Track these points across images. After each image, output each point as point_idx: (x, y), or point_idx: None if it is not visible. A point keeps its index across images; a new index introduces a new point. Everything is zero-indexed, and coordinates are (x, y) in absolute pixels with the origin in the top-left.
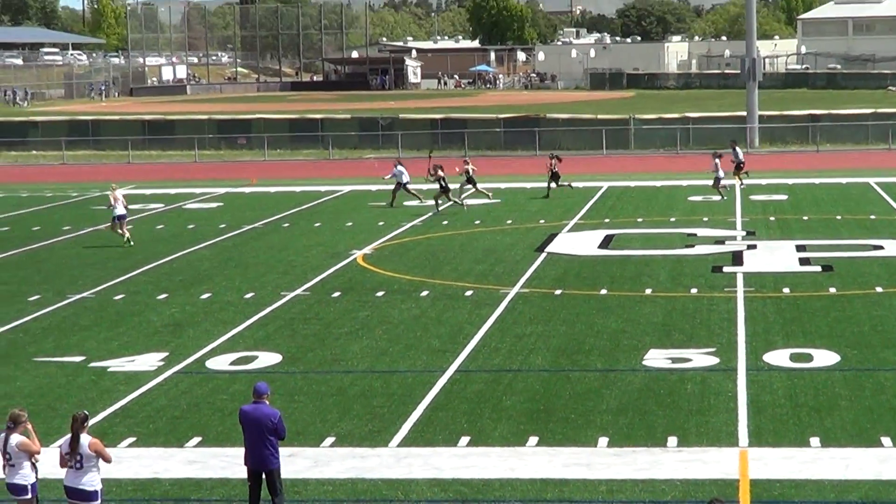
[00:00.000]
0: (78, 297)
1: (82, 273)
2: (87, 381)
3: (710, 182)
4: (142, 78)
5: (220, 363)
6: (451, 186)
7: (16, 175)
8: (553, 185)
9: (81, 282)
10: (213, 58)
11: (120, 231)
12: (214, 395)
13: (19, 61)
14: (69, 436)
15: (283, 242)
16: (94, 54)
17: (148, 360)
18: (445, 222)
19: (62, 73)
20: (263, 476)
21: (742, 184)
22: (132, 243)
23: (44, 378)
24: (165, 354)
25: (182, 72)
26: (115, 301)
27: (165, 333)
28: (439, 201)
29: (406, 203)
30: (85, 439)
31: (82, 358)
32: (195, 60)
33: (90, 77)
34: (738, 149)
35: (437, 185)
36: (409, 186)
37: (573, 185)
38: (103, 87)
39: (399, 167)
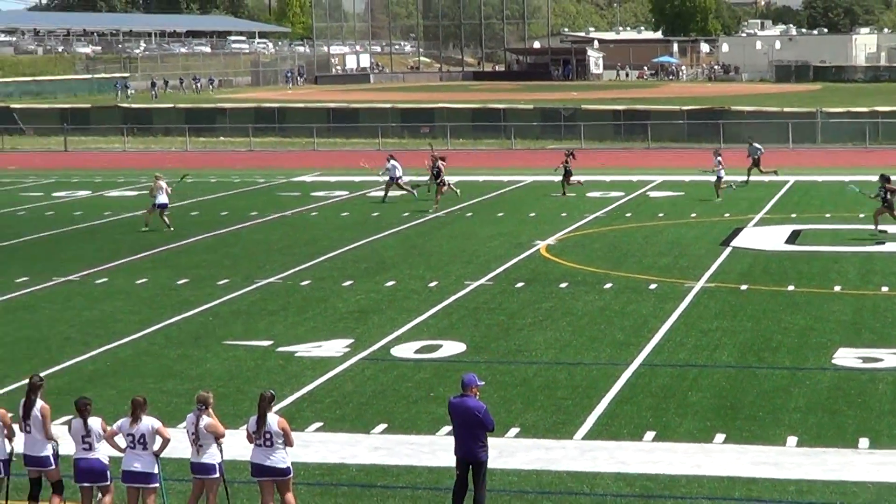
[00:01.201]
0: (265, 282)
1: (269, 258)
2: (274, 365)
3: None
4: (326, 66)
5: (405, 351)
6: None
7: (204, 160)
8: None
9: (269, 267)
10: (396, 47)
11: (161, 219)
12: (399, 382)
13: (207, 49)
14: (255, 415)
15: (466, 232)
16: (279, 43)
17: (334, 346)
18: (629, 214)
19: (249, 61)
20: (471, 466)
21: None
22: (172, 229)
23: (233, 361)
24: (351, 341)
25: (365, 60)
26: (302, 287)
27: (351, 320)
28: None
29: (588, 195)
30: (272, 418)
31: (270, 342)
32: (378, 49)
33: (276, 65)
34: (756, 144)
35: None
36: (402, 181)
37: (582, 181)
38: (289, 75)
39: (392, 161)
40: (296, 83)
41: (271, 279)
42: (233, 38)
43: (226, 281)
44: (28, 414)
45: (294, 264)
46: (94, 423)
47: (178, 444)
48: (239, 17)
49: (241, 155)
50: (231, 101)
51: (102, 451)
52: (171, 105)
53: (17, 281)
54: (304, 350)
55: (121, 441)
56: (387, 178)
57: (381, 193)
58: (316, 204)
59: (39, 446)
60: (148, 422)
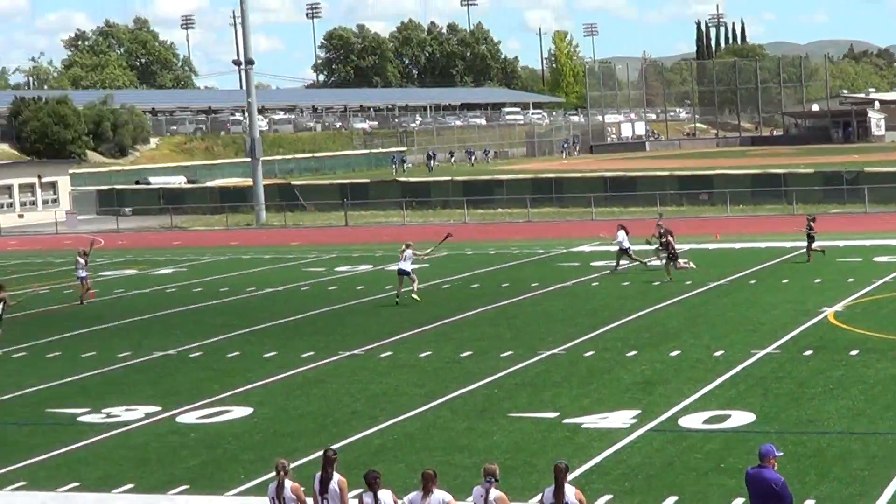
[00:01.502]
0: (549, 353)
1: (551, 329)
2: (561, 436)
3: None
4: (601, 135)
5: (693, 421)
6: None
7: (483, 232)
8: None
9: (551, 338)
10: (671, 113)
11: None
12: (688, 453)
13: (482, 121)
14: (552, 486)
15: (750, 299)
16: (554, 113)
17: (620, 417)
18: None
19: (524, 131)
20: None
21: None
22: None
23: (519, 434)
24: (637, 412)
25: (641, 128)
26: (586, 357)
27: (636, 390)
28: (669, 265)
29: (875, 259)
30: (569, 489)
31: (556, 414)
32: (653, 116)
33: (551, 135)
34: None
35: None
36: (631, 251)
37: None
38: (564, 145)
39: (621, 231)
40: (571, 153)
41: (555, 350)
42: (507, 109)
43: (509, 353)
44: (325, 488)
45: (577, 335)
46: (385, 496)
47: None
48: (512, 88)
49: (519, 226)
50: (507, 173)
51: None
52: (448, 178)
53: (304, 356)
54: (591, 421)
55: None
56: (617, 248)
57: (625, 263)
58: (596, 274)
59: None
60: (439, 495)
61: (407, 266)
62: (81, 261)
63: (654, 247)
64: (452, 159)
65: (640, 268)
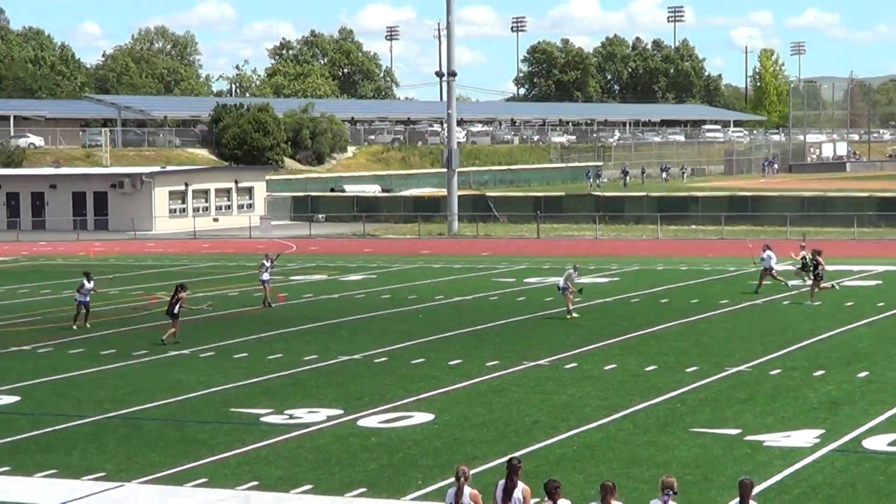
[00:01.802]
0: (735, 370)
1: (739, 346)
2: (742, 453)
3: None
4: (801, 154)
5: (878, 443)
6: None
7: (676, 248)
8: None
9: (738, 355)
10: (875, 134)
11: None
12: (871, 475)
13: (681, 138)
14: (734, 502)
15: None
16: (755, 131)
17: (804, 437)
18: None
19: (723, 149)
20: None
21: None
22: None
23: (699, 449)
24: (821, 432)
25: (842, 148)
26: (772, 376)
27: (822, 410)
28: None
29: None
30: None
31: (738, 431)
32: (856, 137)
33: (750, 154)
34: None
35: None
36: (775, 272)
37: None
38: (766, 164)
39: (768, 251)
40: (771, 172)
41: (741, 367)
42: (707, 126)
43: (694, 368)
44: (509, 496)
45: (764, 353)
46: None
47: None
48: (714, 105)
49: (712, 243)
50: (703, 190)
51: None
52: (643, 193)
53: (488, 364)
54: (773, 439)
55: None
56: (762, 267)
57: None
58: (789, 293)
59: None
60: None
61: (562, 283)
62: (266, 264)
63: (796, 267)
64: (644, 175)
65: (783, 288)
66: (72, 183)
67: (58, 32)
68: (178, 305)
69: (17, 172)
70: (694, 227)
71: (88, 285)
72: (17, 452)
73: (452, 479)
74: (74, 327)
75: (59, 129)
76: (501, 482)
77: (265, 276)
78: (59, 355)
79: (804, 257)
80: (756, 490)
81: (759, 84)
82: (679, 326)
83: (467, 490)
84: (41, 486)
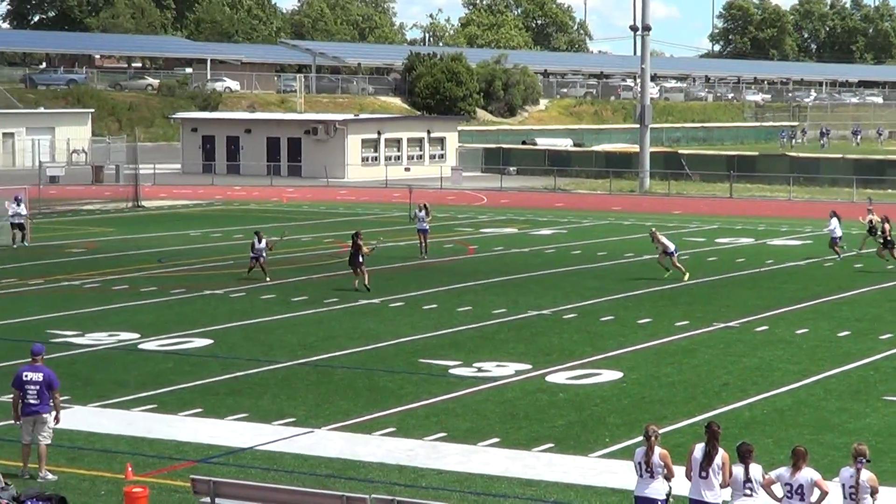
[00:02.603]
0: None
1: None
2: None
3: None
4: None
5: None
6: None
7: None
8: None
9: None
10: None
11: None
12: None
13: (879, 100)
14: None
15: None
16: None
17: None
18: None
19: None
20: None
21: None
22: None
23: (893, 417)
24: None
25: None
26: None
27: None
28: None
29: None
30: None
31: None
32: None
33: None
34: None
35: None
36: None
37: None
38: None
39: (834, 219)
40: None
41: None
42: None
43: (889, 335)
44: (710, 461)
45: None
46: (755, 470)
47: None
48: None
49: None
50: None
51: (761, 499)
52: (839, 155)
53: (678, 324)
54: None
55: (777, 490)
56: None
57: None
58: None
59: (714, 494)
60: (808, 473)
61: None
62: (421, 214)
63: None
64: (824, 139)
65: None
66: (266, 128)
67: None
68: (359, 254)
69: (213, 116)
70: (891, 190)
71: (259, 245)
72: (208, 395)
73: (640, 438)
74: (246, 276)
75: (254, 74)
76: (699, 446)
77: (424, 226)
78: (251, 300)
79: (870, 220)
80: None
81: None
82: (874, 292)
83: (657, 449)
84: (232, 428)
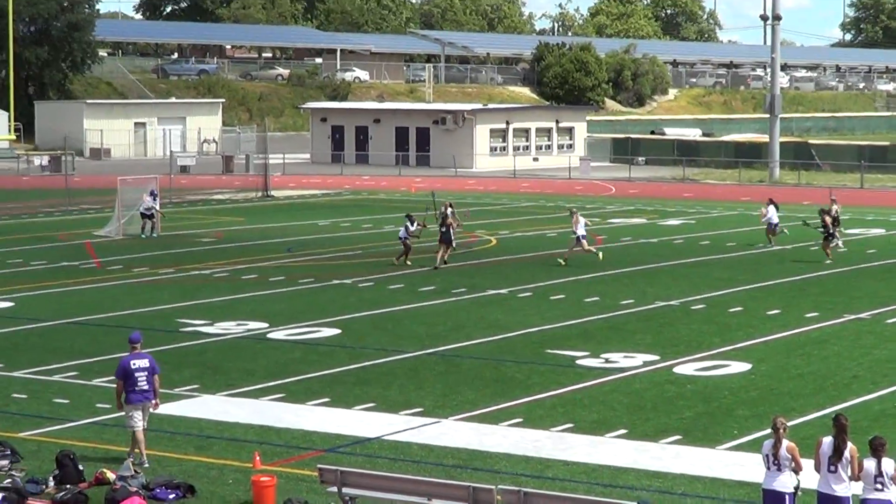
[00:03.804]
0: None
1: None
2: None
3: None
4: None
5: None
6: None
7: None
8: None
9: None
10: None
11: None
12: None
13: None
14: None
15: None
16: None
17: None
18: None
19: None
20: None
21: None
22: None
23: None
24: None
25: None
26: None
27: None
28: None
29: None
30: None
31: None
32: None
33: None
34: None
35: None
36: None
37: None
38: None
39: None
40: None
41: None
42: None
43: None
44: (839, 455)
45: None
46: (888, 464)
47: None
48: None
49: None
50: None
51: (892, 494)
52: None
53: (808, 315)
54: None
55: None
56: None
57: None
58: None
59: (844, 487)
60: None
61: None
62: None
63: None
64: None
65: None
66: (395, 118)
67: None
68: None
69: (343, 106)
70: None
71: (412, 228)
72: (336, 384)
73: (769, 430)
74: (395, 262)
75: (383, 64)
76: (827, 439)
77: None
78: (379, 290)
79: (835, 211)
80: None
81: None
82: None
83: (785, 442)
84: (360, 418)
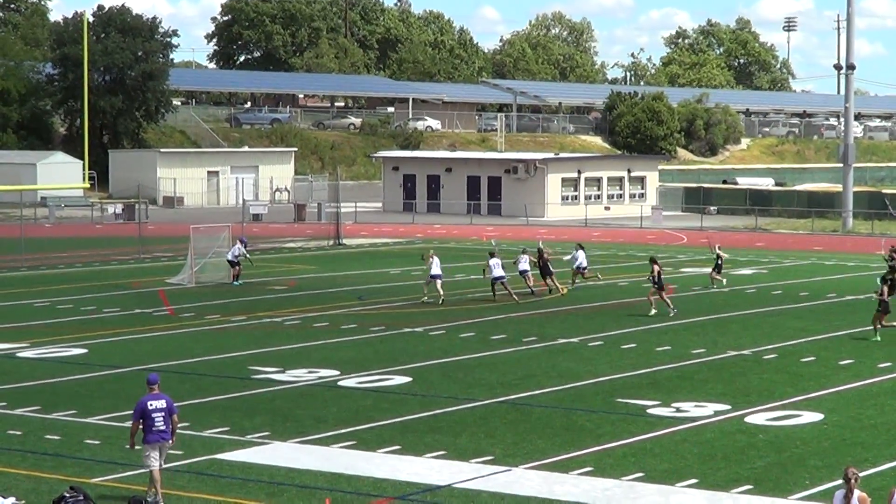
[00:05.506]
0: None
1: None
2: None
3: None
4: None
5: None
6: None
7: None
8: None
9: None
10: None
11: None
12: None
13: None
14: None
15: None
16: None
17: None
18: None
19: None
20: None
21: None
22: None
23: None
24: None
25: None
26: None
27: None
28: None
29: None
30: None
31: None
32: None
33: None
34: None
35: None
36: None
37: None
38: None
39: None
40: None
41: None
42: None
43: None
44: None
45: None
46: None
47: None
48: None
49: None
50: None
51: None
52: None
53: (881, 366)
54: None
55: None
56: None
57: None
58: None
59: None
60: None
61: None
62: (525, 257)
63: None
64: None
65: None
66: (467, 167)
67: (457, 17)
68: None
69: (415, 155)
70: None
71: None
72: (407, 432)
73: (841, 481)
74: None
75: (455, 113)
76: None
77: (524, 267)
78: (449, 338)
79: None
80: None
81: None
82: None
83: (857, 493)
84: (430, 466)
